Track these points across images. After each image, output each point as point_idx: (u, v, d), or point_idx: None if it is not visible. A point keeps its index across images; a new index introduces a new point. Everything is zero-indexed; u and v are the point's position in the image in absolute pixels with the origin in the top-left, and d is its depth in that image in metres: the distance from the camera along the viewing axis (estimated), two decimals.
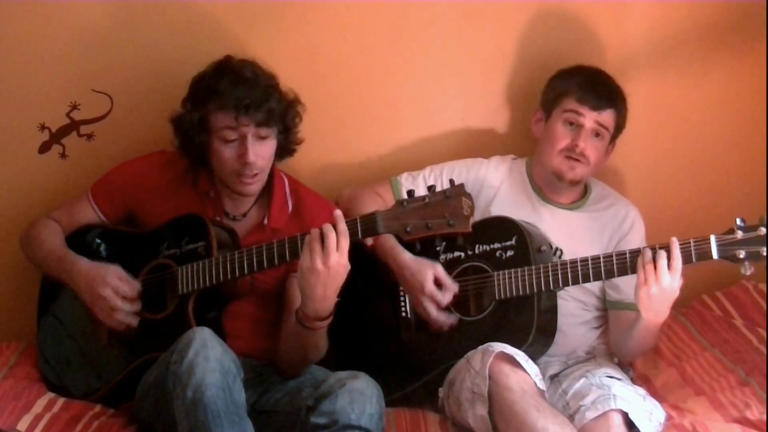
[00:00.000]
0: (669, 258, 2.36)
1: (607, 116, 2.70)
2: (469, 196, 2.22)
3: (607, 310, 2.74)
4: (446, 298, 2.59)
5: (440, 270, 2.60)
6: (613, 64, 2.87)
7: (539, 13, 2.95)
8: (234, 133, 2.51)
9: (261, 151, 2.53)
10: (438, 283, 2.60)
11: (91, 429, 2.44)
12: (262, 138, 2.53)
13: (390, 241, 2.66)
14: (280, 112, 2.55)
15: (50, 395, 2.58)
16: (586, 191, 2.80)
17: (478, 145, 2.99)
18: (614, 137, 2.76)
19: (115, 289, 2.49)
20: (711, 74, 3.02)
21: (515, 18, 2.96)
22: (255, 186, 2.57)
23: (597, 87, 2.71)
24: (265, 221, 2.63)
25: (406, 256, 2.63)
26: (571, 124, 2.69)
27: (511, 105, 3.02)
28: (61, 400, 2.56)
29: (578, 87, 2.70)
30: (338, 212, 2.30)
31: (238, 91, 2.49)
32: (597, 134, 2.70)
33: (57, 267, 2.60)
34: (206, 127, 2.53)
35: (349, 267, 2.29)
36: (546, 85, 2.81)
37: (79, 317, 2.64)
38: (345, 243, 2.27)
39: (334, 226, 2.27)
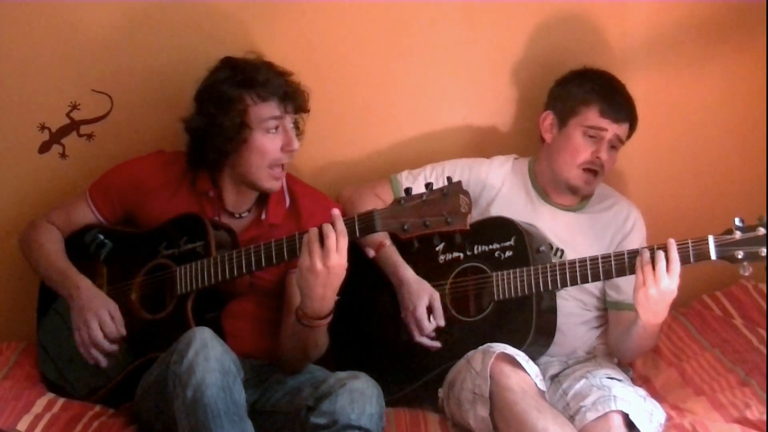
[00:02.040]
0: (667, 260, 2.36)
1: (625, 128, 2.70)
2: (467, 193, 2.21)
3: (607, 310, 2.74)
4: (429, 326, 2.60)
5: (436, 298, 2.61)
6: (614, 63, 2.86)
7: (540, 13, 2.96)
8: (277, 122, 2.53)
9: (298, 139, 2.57)
10: (430, 308, 2.60)
11: (91, 429, 2.44)
12: (295, 126, 2.58)
13: (392, 255, 2.67)
14: (307, 98, 2.60)
15: (50, 395, 2.58)
16: None
17: (480, 144, 2.99)
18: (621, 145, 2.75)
19: (102, 322, 2.49)
20: (711, 73, 3.02)
21: (516, 17, 2.96)
22: (281, 181, 2.60)
23: (617, 98, 2.69)
24: (263, 216, 2.63)
25: (409, 274, 2.65)
26: (592, 136, 2.68)
27: (513, 104, 3.02)
28: (61, 400, 2.56)
29: (600, 98, 2.67)
30: (336, 211, 2.30)
31: (276, 80, 2.53)
32: (613, 146, 2.69)
33: (58, 280, 2.60)
34: (245, 124, 2.52)
35: (346, 266, 2.29)
36: (557, 89, 2.78)
37: None
38: (344, 243, 2.27)
39: (333, 226, 2.27)
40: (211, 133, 2.53)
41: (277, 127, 2.53)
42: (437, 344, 2.61)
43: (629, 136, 2.74)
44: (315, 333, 2.42)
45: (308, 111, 2.62)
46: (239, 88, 2.52)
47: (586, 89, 2.69)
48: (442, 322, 2.61)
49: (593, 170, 2.68)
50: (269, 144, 2.53)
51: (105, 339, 2.49)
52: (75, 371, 2.64)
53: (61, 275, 2.60)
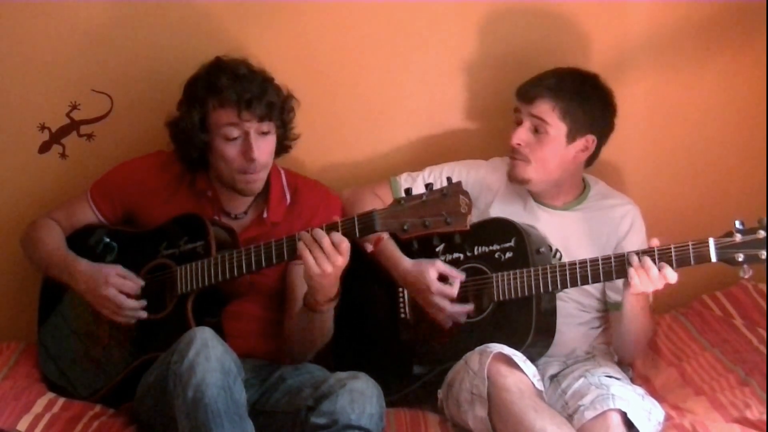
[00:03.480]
0: (659, 267, 2.36)
1: (542, 107, 2.62)
2: (466, 194, 2.21)
3: (609, 312, 2.74)
4: (455, 288, 2.58)
5: (440, 265, 2.60)
6: (612, 63, 2.87)
7: (540, 13, 2.95)
8: (236, 130, 2.52)
9: (264, 147, 2.54)
10: (442, 278, 2.59)
11: (91, 429, 2.44)
12: (264, 133, 2.55)
13: (389, 249, 2.67)
14: (279, 106, 2.57)
15: (50, 395, 2.58)
16: (583, 191, 2.79)
17: (479, 145, 2.99)
18: (577, 131, 2.64)
19: (118, 287, 2.51)
20: (711, 73, 3.02)
21: (516, 18, 2.95)
22: (258, 184, 2.58)
23: (535, 80, 2.66)
24: (265, 215, 2.63)
25: (406, 263, 2.64)
26: (517, 124, 2.67)
27: (511, 106, 3.00)
28: (61, 400, 2.56)
29: (520, 84, 2.68)
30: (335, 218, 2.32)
31: (237, 86, 2.51)
32: (537, 129, 2.65)
33: (58, 269, 2.61)
34: (206, 127, 2.54)
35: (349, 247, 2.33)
36: None
37: (82, 316, 2.64)
38: (346, 244, 2.29)
39: (330, 232, 2.28)
40: (179, 129, 2.57)
41: (239, 135, 2.53)
42: (470, 307, 2.59)
43: (578, 116, 2.61)
44: (322, 317, 2.44)
45: (283, 119, 2.60)
46: (204, 91, 2.54)
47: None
48: (462, 276, 2.59)
49: (516, 157, 2.66)
50: (229, 150, 2.53)
51: (129, 298, 2.51)
52: (76, 371, 2.64)
53: (61, 262, 2.60)
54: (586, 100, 2.65)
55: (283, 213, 2.65)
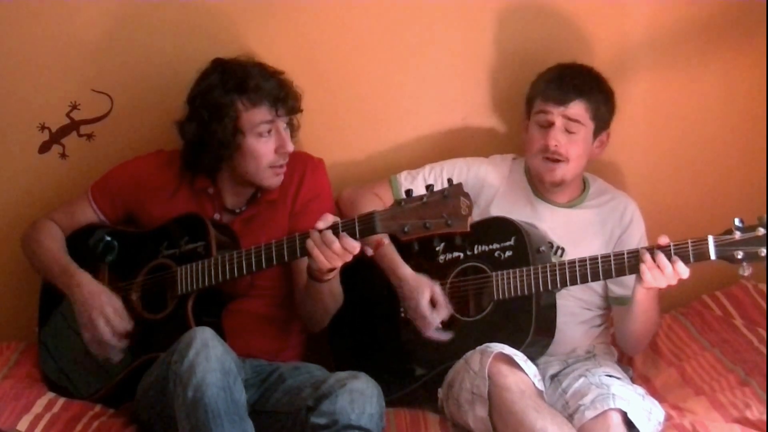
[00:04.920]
0: (672, 262, 2.36)
1: (576, 108, 2.65)
2: (467, 195, 2.21)
3: (611, 308, 2.74)
4: (438, 318, 2.60)
5: (437, 290, 2.61)
6: (613, 62, 2.87)
7: (540, 13, 2.95)
8: (269, 126, 2.54)
9: (291, 140, 2.58)
10: (433, 301, 2.60)
11: (91, 429, 2.44)
12: (288, 126, 2.59)
13: (390, 254, 2.67)
14: (299, 98, 2.61)
15: (50, 395, 2.58)
16: (584, 188, 2.80)
17: (479, 144, 2.99)
18: (601, 128, 2.71)
19: (108, 320, 2.50)
20: (711, 73, 3.02)
21: (516, 17, 2.96)
22: (282, 175, 2.61)
23: (561, 81, 2.67)
24: (258, 195, 2.65)
25: (407, 271, 2.64)
26: (543, 126, 2.67)
27: (511, 104, 3.01)
28: (61, 400, 2.56)
29: (544, 85, 2.69)
30: (332, 217, 2.33)
31: (267, 84, 2.54)
32: (568, 130, 2.66)
33: (58, 276, 2.61)
34: (238, 129, 2.53)
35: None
36: (528, 91, 2.79)
37: None
38: (356, 245, 2.30)
39: (337, 232, 2.29)
40: (206, 140, 2.55)
41: (270, 131, 2.54)
42: (447, 335, 2.61)
43: (603, 114, 2.68)
44: (330, 285, 2.46)
45: (301, 111, 2.63)
46: (231, 94, 2.53)
47: (538, 81, 2.72)
48: (450, 311, 2.61)
49: (554, 159, 2.66)
50: (263, 147, 2.54)
51: (113, 335, 2.50)
52: (76, 371, 2.64)
53: (61, 271, 2.60)
54: (608, 98, 2.71)
55: (276, 191, 2.65)
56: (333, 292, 2.51)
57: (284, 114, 2.56)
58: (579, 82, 2.67)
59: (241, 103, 2.53)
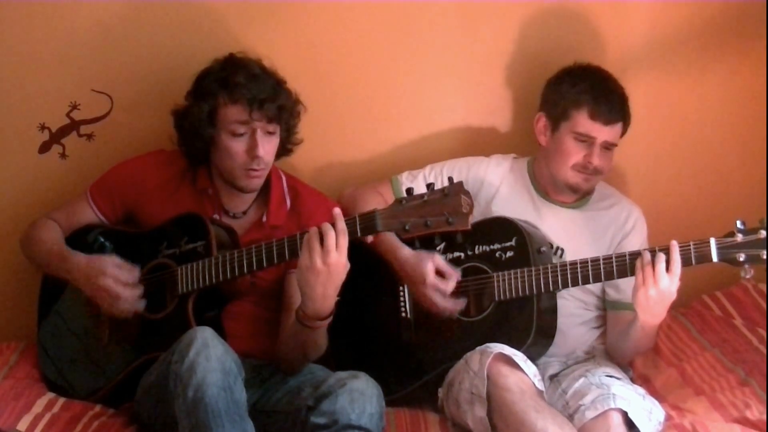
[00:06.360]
0: (668, 261, 2.36)
1: (618, 129, 2.68)
2: (468, 194, 2.21)
3: (606, 310, 2.74)
4: (449, 285, 2.59)
5: (439, 259, 2.60)
6: (614, 63, 2.86)
7: (540, 12, 2.96)
8: (244, 128, 2.53)
9: (268, 147, 2.55)
10: (439, 273, 2.59)
11: (91, 429, 2.44)
12: (270, 134, 2.56)
13: (389, 238, 2.66)
14: (288, 110, 2.59)
15: (50, 395, 2.58)
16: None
17: (480, 143, 2.99)
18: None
19: (114, 277, 2.49)
20: (711, 74, 3.02)
21: (516, 17, 2.96)
22: (258, 181, 2.59)
23: (608, 98, 2.66)
24: (264, 219, 2.63)
25: (406, 252, 2.63)
26: (583, 141, 2.67)
27: (512, 104, 3.02)
28: (61, 400, 2.56)
29: (590, 101, 2.64)
30: (337, 210, 2.29)
31: (252, 85, 2.52)
32: (606, 147, 2.68)
33: (56, 265, 2.61)
34: (214, 121, 2.54)
35: (348, 266, 2.29)
36: (548, 89, 2.77)
37: (82, 315, 2.64)
38: (344, 241, 2.26)
39: (333, 225, 2.27)
40: (186, 119, 2.57)
41: (245, 132, 2.53)
42: (462, 303, 2.60)
43: (624, 132, 2.73)
44: (315, 333, 2.42)
45: (289, 123, 2.61)
46: (216, 85, 2.54)
47: (577, 91, 2.68)
48: (458, 275, 2.60)
49: (589, 173, 2.68)
50: (234, 146, 2.53)
51: (125, 288, 2.49)
52: (75, 371, 2.64)
53: (60, 259, 2.60)
54: (630, 114, 2.73)
55: (284, 217, 2.65)
56: (318, 342, 2.47)
57: (261, 119, 2.52)
58: (622, 102, 2.68)
59: (222, 96, 2.53)
